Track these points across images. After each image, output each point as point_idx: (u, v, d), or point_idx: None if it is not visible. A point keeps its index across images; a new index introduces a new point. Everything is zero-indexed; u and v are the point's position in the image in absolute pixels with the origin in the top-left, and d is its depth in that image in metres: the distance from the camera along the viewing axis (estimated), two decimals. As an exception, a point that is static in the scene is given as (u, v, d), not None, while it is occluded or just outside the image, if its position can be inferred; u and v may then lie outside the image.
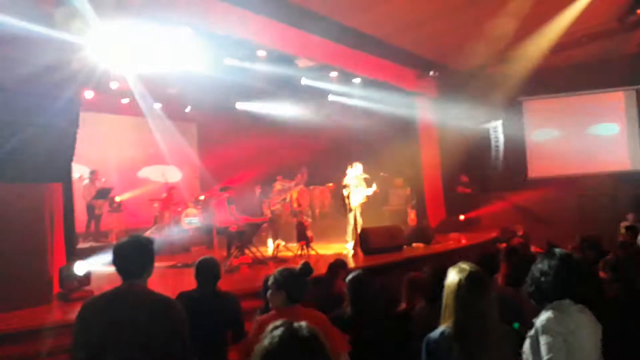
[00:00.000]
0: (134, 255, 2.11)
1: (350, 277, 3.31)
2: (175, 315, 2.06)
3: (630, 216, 6.91)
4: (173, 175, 11.71)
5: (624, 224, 5.26)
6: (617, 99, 11.86)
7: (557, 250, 2.46)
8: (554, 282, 2.37)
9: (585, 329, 2.25)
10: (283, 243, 9.20)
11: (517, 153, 12.21)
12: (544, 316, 2.33)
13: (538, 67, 10.37)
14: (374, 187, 8.54)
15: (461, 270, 2.25)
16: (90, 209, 9.25)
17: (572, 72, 11.25)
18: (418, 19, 8.51)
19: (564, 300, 2.32)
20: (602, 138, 11.87)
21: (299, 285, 2.70)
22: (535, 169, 12.26)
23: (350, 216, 8.69)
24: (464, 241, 9.39)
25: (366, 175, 8.71)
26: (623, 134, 11.73)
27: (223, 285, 3.84)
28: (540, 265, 2.47)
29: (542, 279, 2.46)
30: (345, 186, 8.55)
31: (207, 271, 3.33)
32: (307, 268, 3.76)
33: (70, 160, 4.96)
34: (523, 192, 11.38)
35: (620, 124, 11.77)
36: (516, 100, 12.06)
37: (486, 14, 8.23)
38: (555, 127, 12.30)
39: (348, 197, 8.50)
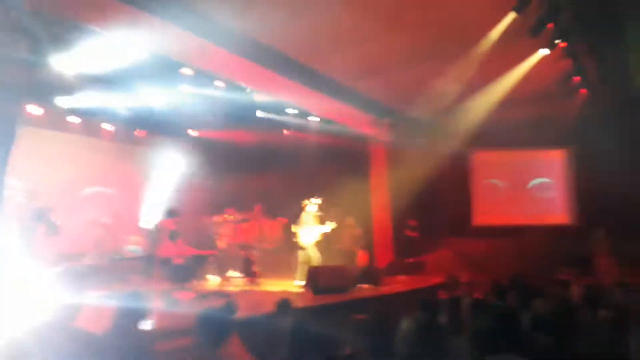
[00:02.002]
0: (65, 290, 1.95)
1: (293, 319, 3.23)
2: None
3: (565, 270, 7.25)
4: (118, 200, 11.24)
5: (559, 276, 5.49)
6: (557, 156, 12.64)
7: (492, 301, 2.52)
8: (488, 335, 2.43)
9: None
10: (236, 274, 8.98)
11: (463, 201, 12.66)
12: None
13: (485, 120, 10.90)
14: (333, 224, 8.62)
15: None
16: (23, 229, 8.67)
17: (516, 128, 11.87)
18: (376, 66, 8.82)
19: (508, 354, 2.37)
20: (542, 192, 12.56)
21: (217, 331, 2.61)
22: (480, 217, 12.71)
23: (301, 253, 8.63)
24: (411, 285, 9.46)
25: (320, 213, 8.78)
26: (561, 190, 12.46)
27: (163, 321, 3.64)
28: (479, 317, 2.52)
29: (478, 330, 2.51)
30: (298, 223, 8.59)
31: None
32: (230, 307, 3.63)
33: (3, 180, 4.64)
34: (468, 239, 11.71)
35: (559, 181, 12.51)
36: (464, 150, 12.60)
37: (439, 69, 8.65)
38: (499, 179, 12.90)
39: (296, 235, 8.53)
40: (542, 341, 3.55)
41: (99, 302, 6.50)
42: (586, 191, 11.64)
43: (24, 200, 8.66)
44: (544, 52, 8.29)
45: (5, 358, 1.87)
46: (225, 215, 10.08)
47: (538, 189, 12.62)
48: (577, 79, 9.49)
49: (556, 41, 7.93)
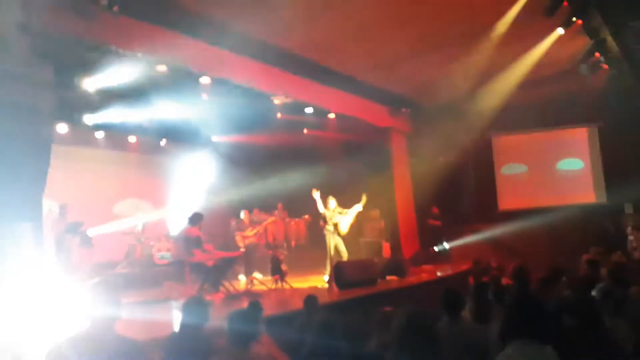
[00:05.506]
0: (102, 299, 2.10)
1: (317, 322, 3.30)
2: None
3: (593, 249, 7.14)
4: (147, 209, 11.58)
5: (586, 257, 5.42)
6: (582, 135, 12.41)
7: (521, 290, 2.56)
8: (516, 322, 2.48)
9: None
10: (260, 276, 9.15)
11: (487, 186, 12.57)
12: (503, 353, 2.43)
13: (505, 104, 10.78)
14: (363, 199, 8.68)
15: None
16: (59, 243, 9.03)
17: (538, 109, 11.73)
18: (390, 59, 8.84)
19: (528, 340, 2.42)
20: (569, 172, 12.35)
21: (246, 326, 2.71)
22: (506, 202, 12.59)
23: (329, 249, 8.75)
24: (438, 273, 9.49)
25: (340, 209, 8.88)
26: (587, 168, 12.23)
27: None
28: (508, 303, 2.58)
29: (508, 317, 2.57)
30: (328, 219, 8.68)
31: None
32: (256, 306, 3.77)
33: (41, 199, 4.90)
34: (494, 224, 11.62)
35: (585, 160, 12.29)
36: (485, 135, 12.50)
37: (455, 54, 8.60)
38: (523, 162, 12.74)
39: (337, 226, 8.62)
40: (569, 324, 3.57)
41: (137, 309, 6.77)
42: (613, 168, 11.43)
43: (57, 215, 9.02)
44: (561, 31, 8.16)
45: None
46: (251, 216, 10.26)
47: (564, 169, 12.42)
48: (597, 55, 9.31)
49: (573, 19, 7.82)
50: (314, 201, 8.88)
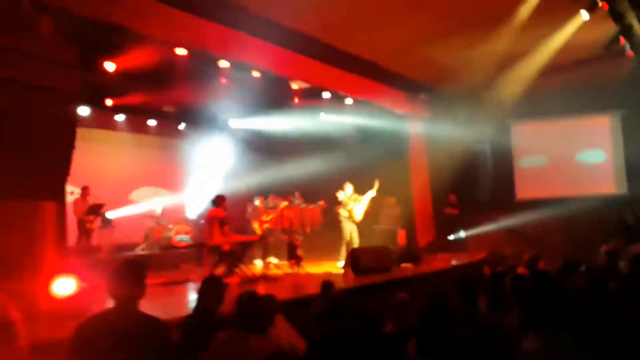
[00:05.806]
0: (127, 279, 2.16)
1: (333, 306, 3.35)
2: (168, 340, 2.11)
3: (612, 241, 7.05)
4: (165, 192, 11.73)
5: (604, 248, 5.36)
6: (603, 123, 12.13)
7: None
8: (534, 312, 2.48)
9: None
10: (275, 261, 9.25)
11: (505, 175, 12.41)
12: (529, 342, 2.43)
13: (526, 91, 10.59)
14: (376, 184, 8.69)
15: None
16: (81, 224, 9.25)
17: (560, 96, 11.48)
18: (409, 45, 8.73)
19: (546, 330, 2.42)
20: (589, 162, 12.11)
21: (254, 314, 2.69)
22: (524, 191, 12.43)
23: (344, 235, 8.83)
24: (453, 262, 9.47)
25: (356, 195, 8.93)
26: (608, 158, 11.97)
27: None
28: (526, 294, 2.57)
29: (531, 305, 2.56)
30: (343, 205, 8.77)
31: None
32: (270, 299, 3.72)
33: (65, 179, 5.01)
34: (511, 213, 11.51)
35: (606, 149, 12.02)
36: (505, 123, 12.30)
37: (475, 40, 8.45)
38: (542, 152, 12.50)
39: (351, 213, 8.72)
40: (586, 315, 3.54)
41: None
42: (635, 157, 11.19)
43: (79, 197, 9.21)
44: (586, 15, 7.95)
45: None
46: (266, 201, 10.33)
47: (584, 161, 12.18)
48: (622, 40, 9.05)
49: (598, 3, 7.61)
50: (332, 187, 8.96)
